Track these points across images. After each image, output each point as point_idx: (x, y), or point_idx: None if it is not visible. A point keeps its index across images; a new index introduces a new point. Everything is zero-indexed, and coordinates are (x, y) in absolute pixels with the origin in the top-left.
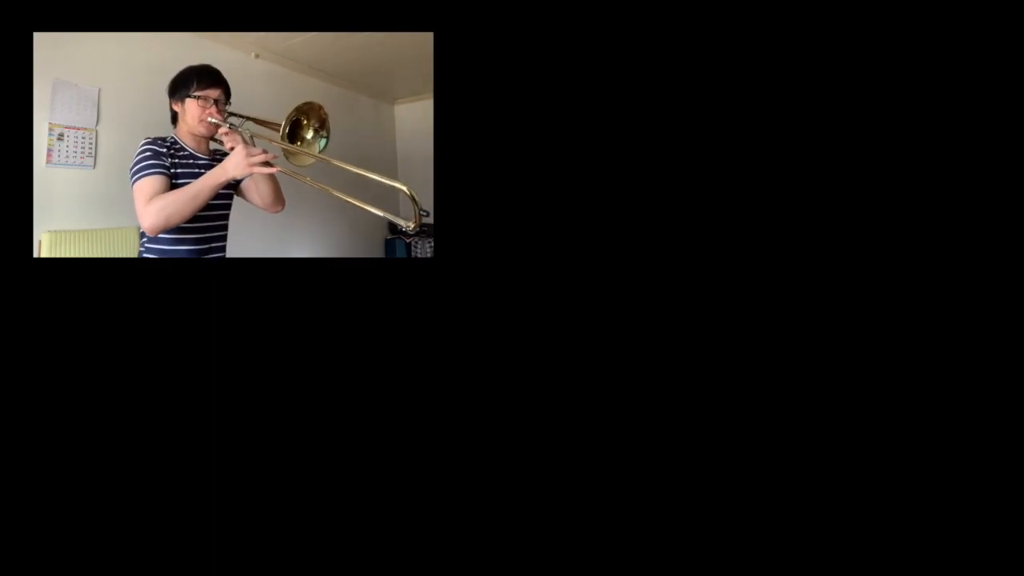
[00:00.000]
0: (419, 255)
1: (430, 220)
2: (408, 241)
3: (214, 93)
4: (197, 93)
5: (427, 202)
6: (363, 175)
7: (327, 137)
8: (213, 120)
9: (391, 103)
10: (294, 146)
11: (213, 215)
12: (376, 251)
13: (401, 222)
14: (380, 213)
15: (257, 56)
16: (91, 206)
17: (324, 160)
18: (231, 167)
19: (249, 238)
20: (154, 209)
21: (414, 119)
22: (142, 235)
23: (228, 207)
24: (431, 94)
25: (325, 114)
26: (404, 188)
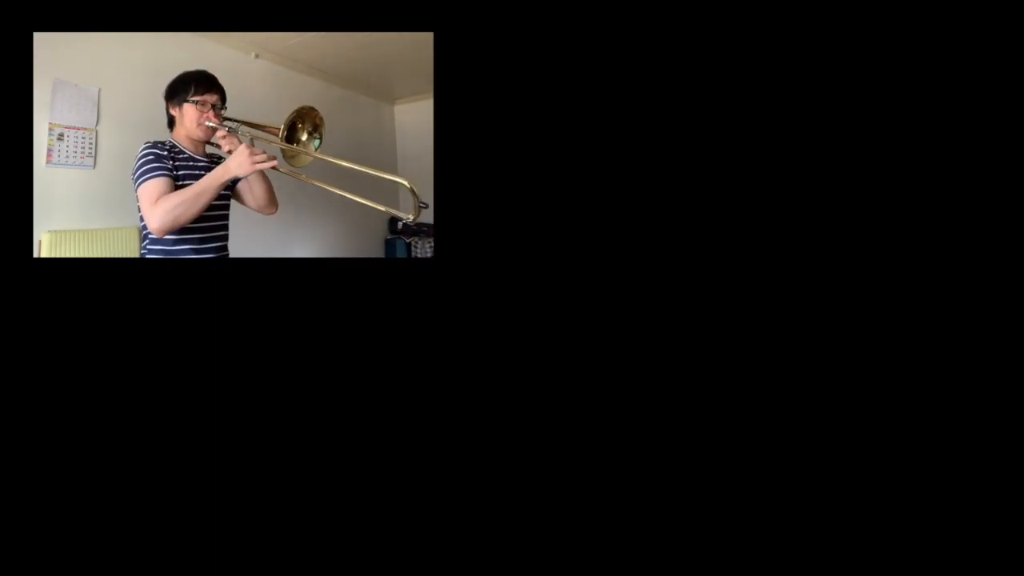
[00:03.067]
0: (419, 255)
1: (430, 220)
2: (408, 241)
3: (212, 98)
4: (195, 98)
5: (427, 201)
6: (362, 171)
7: (320, 139)
8: (211, 124)
9: (391, 103)
10: (293, 147)
11: (214, 215)
12: (376, 251)
13: (402, 215)
14: (381, 208)
15: (257, 56)
16: (91, 206)
17: (322, 159)
18: (234, 166)
19: (249, 238)
20: (161, 210)
21: (414, 119)
22: (144, 236)
23: (227, 207)
24: (431, 94)
25: (320, 119)
26: (404, 182)
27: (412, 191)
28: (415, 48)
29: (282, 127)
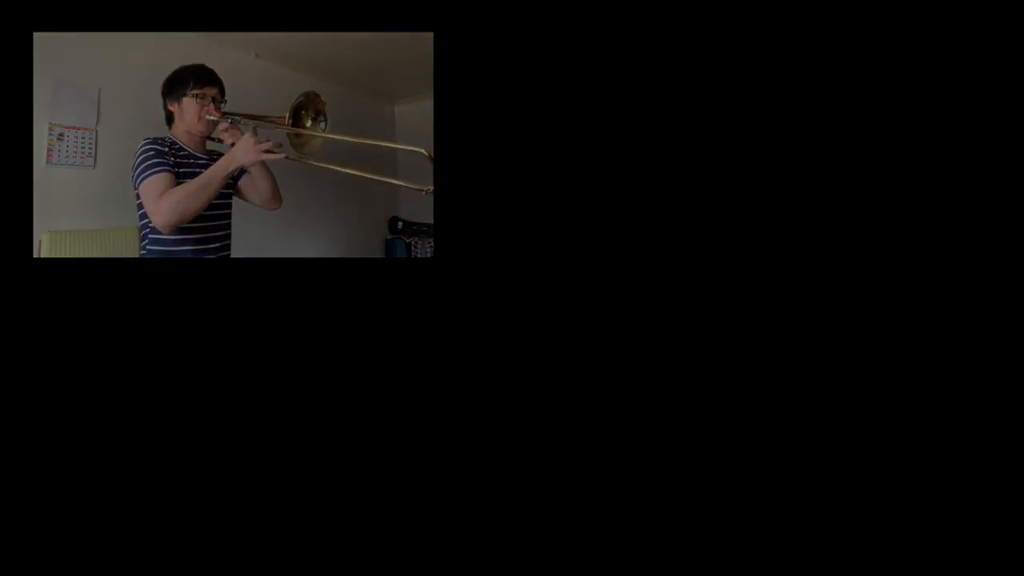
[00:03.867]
0: (419, 255)
1: (430, 220)
2: (408, 241)
3: (211, 91)
4: (195, 91)
5: (427, 203)
6: (376, 145)
7: (326, 120)
8: (212, 118)
9: (391, 103)
10: (303, 130)
11: (216, 214)
12: (376, 251)
13: (417, 187)
14: (398, 183)
15: (257, 56)
16: (91, 206)
17: (331, 138)
18: (239, 154)
19: (249, 238)
20: (167, 205)
21: (414, 119)
22: (144, 236)
23: (229, 205)
24: (431, 94)
25: (323, 103)
26: (423, 151)
27: (430, 158)
28: (415, 48)
29: (288, 113)
